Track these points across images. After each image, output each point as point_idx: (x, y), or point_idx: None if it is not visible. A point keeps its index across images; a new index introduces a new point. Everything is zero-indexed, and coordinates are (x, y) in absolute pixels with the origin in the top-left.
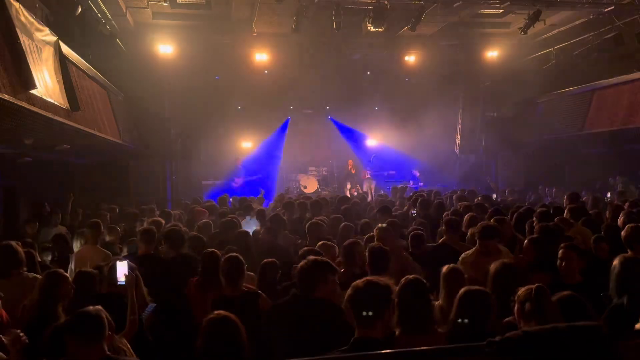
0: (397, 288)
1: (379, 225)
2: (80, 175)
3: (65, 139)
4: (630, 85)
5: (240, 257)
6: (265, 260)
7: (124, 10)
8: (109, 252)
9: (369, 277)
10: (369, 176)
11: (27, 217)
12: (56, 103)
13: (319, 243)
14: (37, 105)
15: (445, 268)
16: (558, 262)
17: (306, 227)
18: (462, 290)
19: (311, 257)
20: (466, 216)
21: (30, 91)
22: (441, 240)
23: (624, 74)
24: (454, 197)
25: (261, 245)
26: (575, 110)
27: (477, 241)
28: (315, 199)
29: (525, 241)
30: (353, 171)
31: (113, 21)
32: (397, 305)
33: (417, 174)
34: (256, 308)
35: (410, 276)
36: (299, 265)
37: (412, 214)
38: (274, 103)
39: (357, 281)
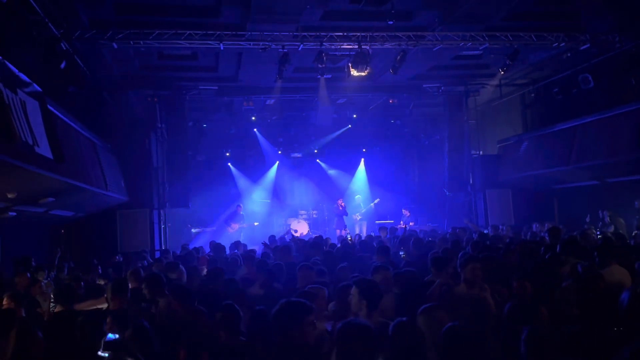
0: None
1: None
2: (66, 227)
3: (50, 191)
4: (611, 119)
5: (236, 306)
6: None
7: (110, 63)
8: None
9: (355, 320)
10: (360, 218)
11: (14, 272)
12: (40, 156)
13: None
14: (19, 159)
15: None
16: None
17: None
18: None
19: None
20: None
21: (13, 144)
22: (428, 278)
23: (603, 109)
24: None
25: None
26: (559, 146)
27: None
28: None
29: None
30: (341, 208)
31: (99, 73)
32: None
33: (407, 214)
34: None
35: (403, 319)
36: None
37: (400, 254)
38: (262, 148)
39: (344, 324)
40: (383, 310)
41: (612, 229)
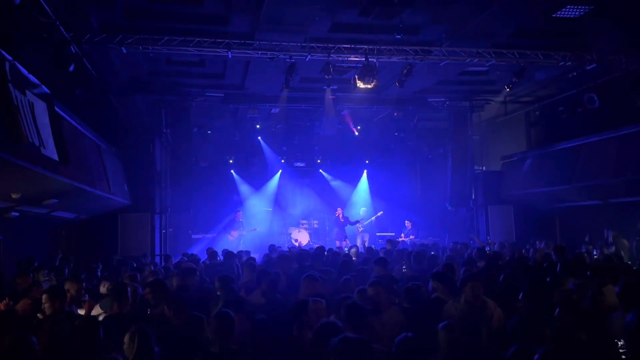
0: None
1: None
2: (67, 229)
3: (53, 193)
4: (616, 140)
5: (231, 314)
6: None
7: (118, 67)
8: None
9: (352, 335)
10: (362, 229)
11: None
12: (46, 157)
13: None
14: (25, 159)
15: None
16: None
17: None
18: None
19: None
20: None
21: (20, 145)
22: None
23: (608, 129)
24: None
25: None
26: (562, 165)
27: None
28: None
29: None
30: (341, 219)
31: (107, 77)
32: None
33: (409, 226)
34: None
35: (408, 334)
36: None
37: (403, 269)
38: (265, 156)
39: (340, 340)
40: (384, 325)
41: (612, 249)
